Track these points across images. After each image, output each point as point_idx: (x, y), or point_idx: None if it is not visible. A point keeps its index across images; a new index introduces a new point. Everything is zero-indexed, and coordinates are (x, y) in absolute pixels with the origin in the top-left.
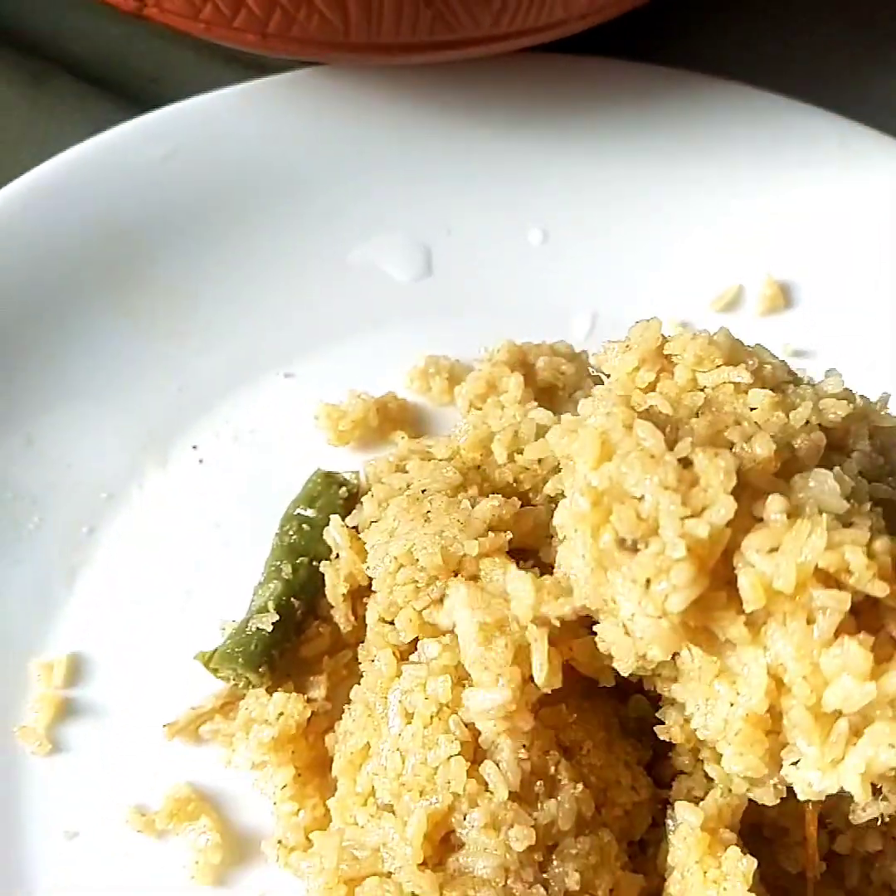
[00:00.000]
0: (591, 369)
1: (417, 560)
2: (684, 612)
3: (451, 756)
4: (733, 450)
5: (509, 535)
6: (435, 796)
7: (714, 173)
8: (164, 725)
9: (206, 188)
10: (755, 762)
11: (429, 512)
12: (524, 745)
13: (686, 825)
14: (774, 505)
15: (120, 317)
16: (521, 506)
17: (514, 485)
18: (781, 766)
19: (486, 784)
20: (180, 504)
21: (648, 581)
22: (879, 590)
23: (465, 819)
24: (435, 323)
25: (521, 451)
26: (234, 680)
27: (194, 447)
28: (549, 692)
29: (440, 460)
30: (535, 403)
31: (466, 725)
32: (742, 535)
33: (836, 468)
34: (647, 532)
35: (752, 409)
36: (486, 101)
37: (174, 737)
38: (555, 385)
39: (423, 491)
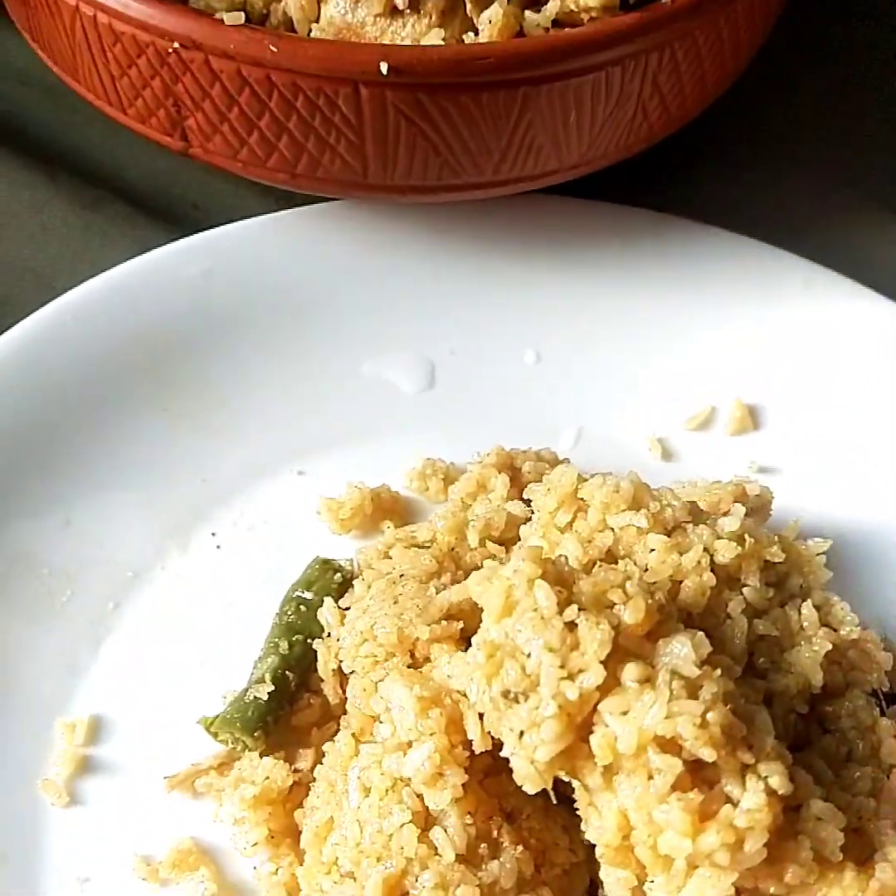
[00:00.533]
0: None
1: (377, 636)
2: (551, 760)
3: (404, 824)
4: (615, 609)
5: (460, 625)
6: (390, 861)
7: (691, 307)
8: (165, 777)
9: (237, 303)
10: (625, 875)
11: (400, 595)
12: (470, 812)
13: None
14: (630, 673)
15: (155, 414)
16: None
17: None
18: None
19: (436, 848)
20: (198, 584)
21: (522, 733)
22: (709, 755)
23: (417, 881)
24: (435, 431)
25: (491, 537)
26: (231, 743)
27: (213, 534)
28: (493, 760)
29: (422, 546)
30: (520, 501)
31: (418, 796)
32: (606, 695)
33: (700, 634)
34: (528, 687)
35: (651, 550)
36: (487, 237)
37: (173, 789)
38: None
39: (400, 575)
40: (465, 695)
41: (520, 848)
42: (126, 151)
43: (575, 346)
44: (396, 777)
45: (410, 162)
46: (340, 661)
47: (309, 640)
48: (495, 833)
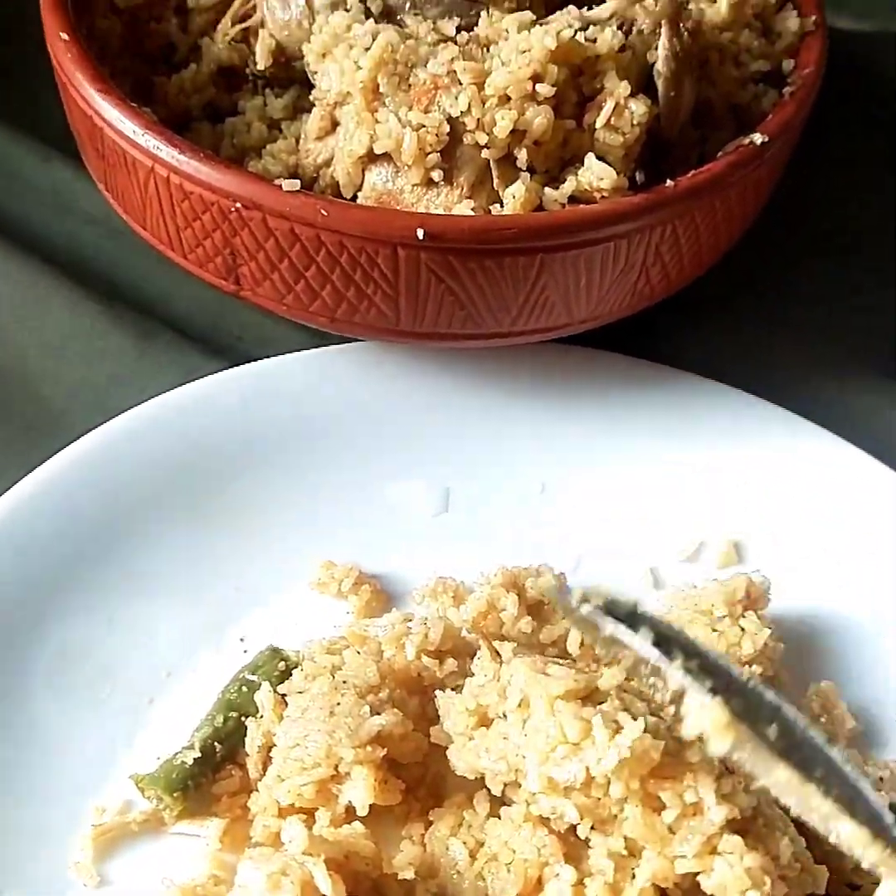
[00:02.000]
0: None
1: (307, 747)
2: None
3: None
4: None
5: (384, 751)
6: None
7: (684, 451)
8: (93, 825)
9: (275, 429)
10: None
11: (338, 705)
12: None
13: None
14: None
15: (194, 527)
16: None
17: (419, 678)
18: None
19: None
20: (225, 683)
21: None
22: None
23: None
24: (449, 551)
25: (427, 651)
26: (154, 800)
27: (241, 639)
28: None
29: (367, 656)
30: (528, 618)
31: None
32: None
33: None
34: None
35: None
36: (503, 380)
37: (99, 838)
38: (541, 601)
39: (343, 681)
40: (310, 853)
41: None
42: (180, 287)
43: (578, 480)
44: None
45: (438, 313)
46: (270, 743)
47: (243, 718)
48: None
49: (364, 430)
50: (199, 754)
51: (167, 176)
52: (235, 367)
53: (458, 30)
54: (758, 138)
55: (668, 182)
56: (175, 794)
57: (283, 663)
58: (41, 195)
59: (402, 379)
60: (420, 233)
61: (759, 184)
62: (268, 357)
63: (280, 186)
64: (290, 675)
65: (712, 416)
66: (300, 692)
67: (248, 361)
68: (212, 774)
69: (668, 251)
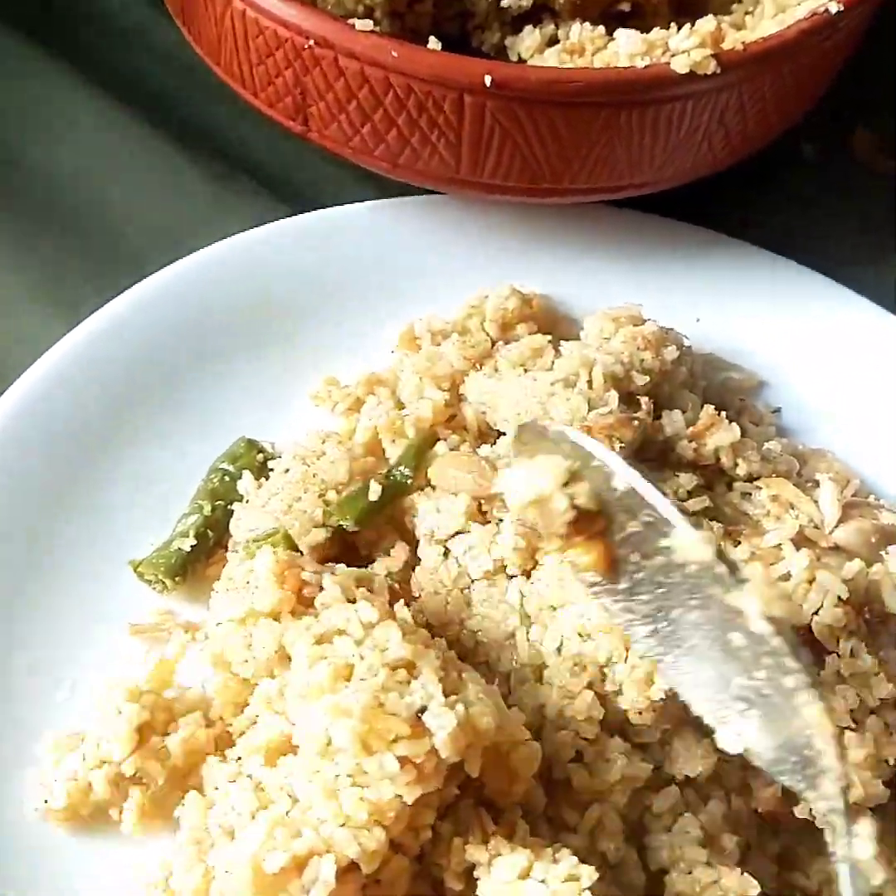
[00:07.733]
0: None
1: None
2: None
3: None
4: None
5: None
6: None
7: (726, 317)
8: (131, 624)
9: (339, 274)
10: None
11: (299, 499)
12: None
13: None
14: None
15: (259, 364)
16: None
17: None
18: None
19: None
20: None
21: None
22: None
23: None
24: None
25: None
26: (154, 584)
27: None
28: None
29: (347, 449)
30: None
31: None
32: None
33: None
34: None
35: None
36: (558, 239)
37: (136, 634)
38: None
39: (313, 475)
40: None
41: None
42: (255, 131)
43: None
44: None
45: (498, 163)
46: None
47: (228, 506)
48: None
49: (415, 281)
50: (194, 541)
51: (243, 10)
52: (306, 214)
53: None
54: (833, 7)
55: (738, 45)
56: (176, 578)
57: (260, 455)
58: (122, 35)
59: (463, 230)
60: (487, 80)
61: (830, 55)
62: (336, 206)
63: (353, 25)
64: (266, 466)
65: (759, 285)
66: (286, 471)
67: (318, 209)
68: (205, 558)
69: (732, 116)
